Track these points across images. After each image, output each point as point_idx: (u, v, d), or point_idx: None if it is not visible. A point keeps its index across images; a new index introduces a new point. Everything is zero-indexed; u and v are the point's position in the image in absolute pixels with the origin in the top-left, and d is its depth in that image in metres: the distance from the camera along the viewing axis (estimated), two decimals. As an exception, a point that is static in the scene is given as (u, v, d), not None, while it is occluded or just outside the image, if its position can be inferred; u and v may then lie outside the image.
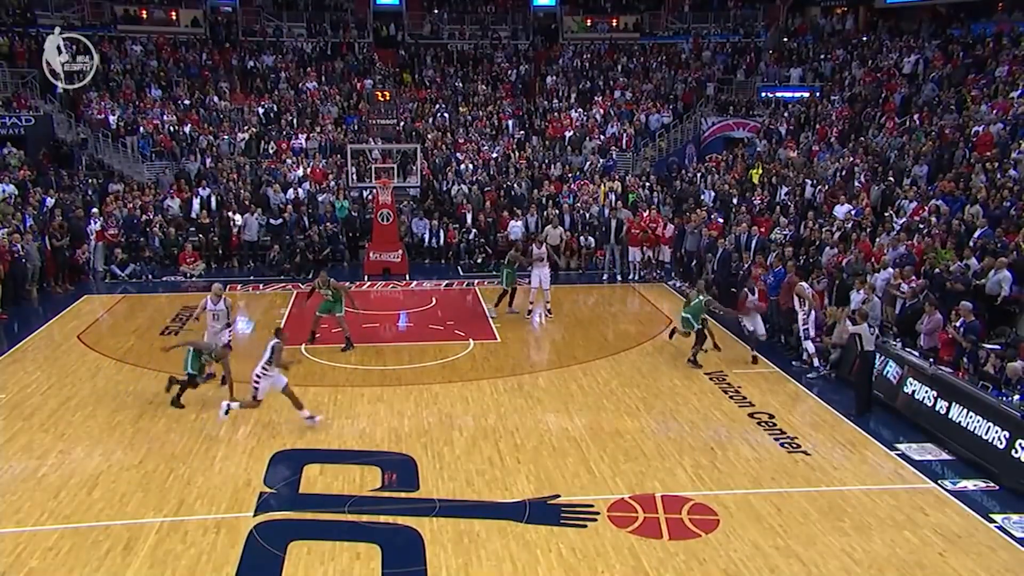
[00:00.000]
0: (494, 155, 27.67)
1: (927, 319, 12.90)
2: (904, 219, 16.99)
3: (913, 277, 14.18)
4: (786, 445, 11.14)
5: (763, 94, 30.35)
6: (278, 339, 11.42)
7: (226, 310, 13.47)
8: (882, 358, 12.84)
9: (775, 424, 11.86)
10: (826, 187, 20.71)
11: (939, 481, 10.14)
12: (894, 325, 14.03)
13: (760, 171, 23.95)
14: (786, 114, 27.74)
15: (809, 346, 14.17)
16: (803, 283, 14.67)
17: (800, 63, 30.75)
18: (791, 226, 19.13)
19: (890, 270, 14.68)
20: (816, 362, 14.11)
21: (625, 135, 29.39)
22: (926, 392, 11.78)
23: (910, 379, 12.16)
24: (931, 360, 12.22)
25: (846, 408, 12.43)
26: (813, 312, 14.18)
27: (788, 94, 29.40)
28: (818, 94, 27.86)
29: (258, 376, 11.24)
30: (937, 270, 14.14)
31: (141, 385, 13.14)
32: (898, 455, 10.88)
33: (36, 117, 25.96)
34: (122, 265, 20.82)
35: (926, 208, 16.89)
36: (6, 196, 21.09)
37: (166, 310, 17.96)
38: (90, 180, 24.46)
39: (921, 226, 16.14)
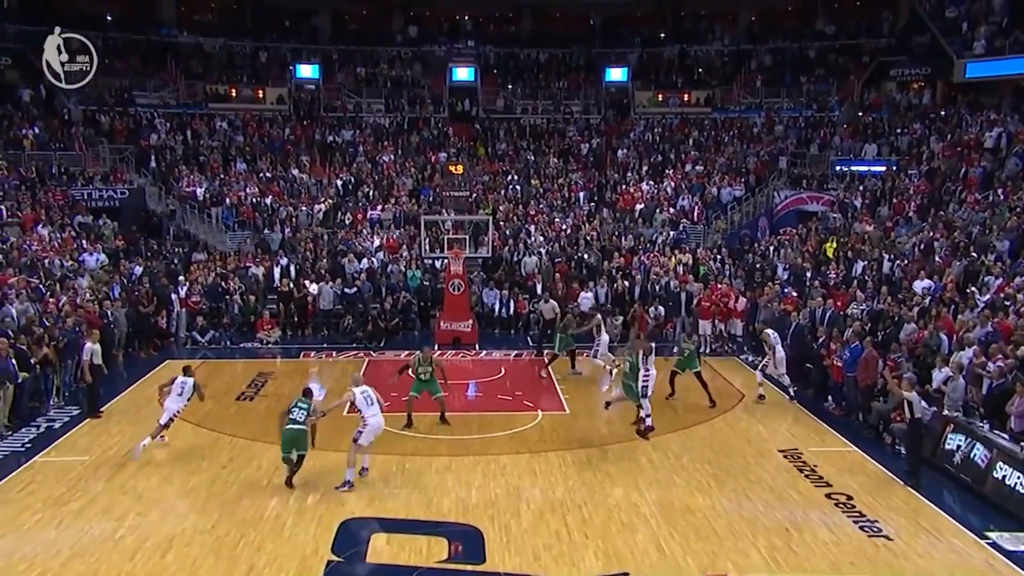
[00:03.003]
0: (565, 227, 27.93)
1: (1018, 400, 12.32)
2: (988, 296, 16.44)
3: (1000, 356, 13.63)
4: (866, 528, 10.70)
5: (837, 168, 30.02)
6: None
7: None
8: (968, 440, 12.34)
9: (854, 506, 11.41)
10: (905, 262, 20.26)
11: (1035, 574, 9.57)
12: (980, 406, 13.44)
13: (835, 245, 23.56)
14: (861, 188, 27.36)
15: (785, 379, 16.42)
16: (768, 331, 16.51)
17: (875, 137, 30.42)
18: (868, 301, 18.70)
19: (973, 348, 14.15)
20: (786, 382, 16.34)
21: (696, 208, 29.37)
22: (1019, 478, 11.20)
23: (1000, 463, 11.60)
24: (1023, 444, 11.66)
25: (932, 493, 11.90)
26: (774, 354, 16.17)
27: (863, 168, 29.03)
28: (895, 168, 27.45)
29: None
30: (1027, 349, 13.57)
31: (216, 450, 13.46)
32: (989, 544, 10.32)
33: (130, 190, 27.44)
34: (202, 331, 21.51)
35: (1012, 284, 16.33)
36: (101, 265, 22.18)
37: (241, 377, 18.40)
38: (176, 249, 25.55)
39: (1007, 303, 15.59)
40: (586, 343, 18.59)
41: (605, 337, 18.37)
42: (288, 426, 11.80)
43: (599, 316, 18.56)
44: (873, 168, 28.63)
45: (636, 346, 13.47)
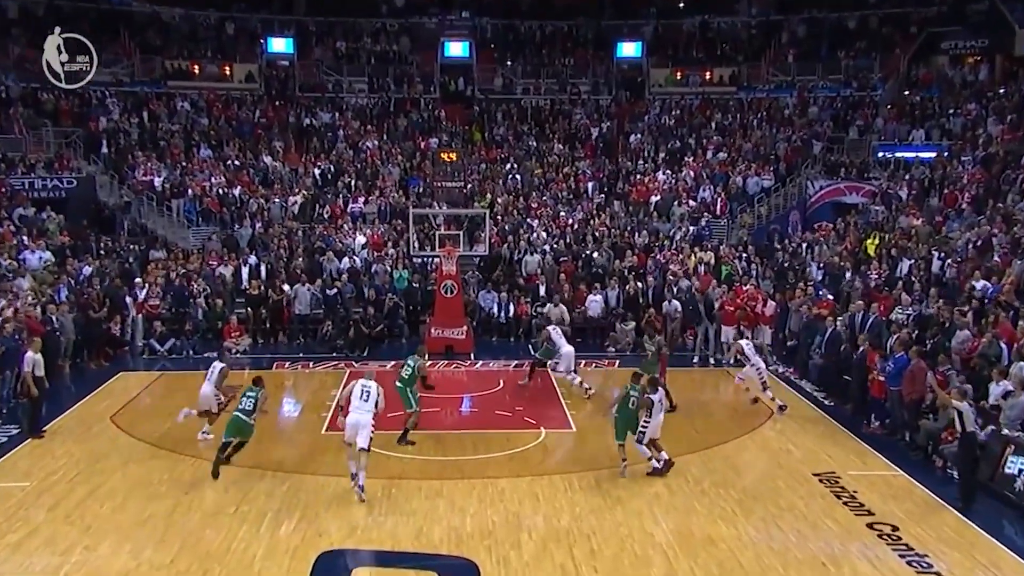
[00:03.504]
0: (571, 221, 27.92)
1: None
2: (1055, 299, 16.42)
3: (1067, 368, 13.60)
4: (914, 563, 10.64)
5: (880, 154, 30.04)
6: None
7: None
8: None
9: (899, 538, 11.35)
10: (958, 260, 20.23)
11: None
12: (1045, 424, 13.42)
13: (877, 242, 23.56)
14: (907, 177, 27.34)
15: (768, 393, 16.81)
16: (742, 342, 17.36)
17: (924, 119, 30.43)
18: (915, 305, 18.67)
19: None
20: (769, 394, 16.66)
21: (719, 200, 29.36)
22: (1089, 506, 11.17)
23: (1067, 489, 11.57)
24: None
25: (990, 523, 11.82)
26: (758, 366, 16.80)
27: (910, 154, 29.03)
28: (946, 154, 27.43)
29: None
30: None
31: (176, 474, 13.38)
32: (1054, 581, 10.29)
33: (78, 179, 27.39)
34: (161, 339, 21.45)
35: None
36: (45, 264, 22.12)
37: (206, 390, 18.33)
38: (131, 246, 25.48)
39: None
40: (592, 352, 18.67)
41: (568, 349, 18.13)
42: (235, 412, 13.06)
43: (548, 330, 18.55)
44: (921, 154, 28.65)
45: (642, 403, 13.39)
